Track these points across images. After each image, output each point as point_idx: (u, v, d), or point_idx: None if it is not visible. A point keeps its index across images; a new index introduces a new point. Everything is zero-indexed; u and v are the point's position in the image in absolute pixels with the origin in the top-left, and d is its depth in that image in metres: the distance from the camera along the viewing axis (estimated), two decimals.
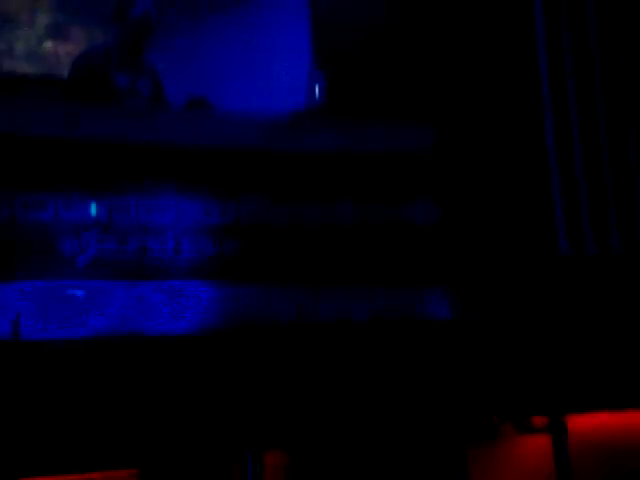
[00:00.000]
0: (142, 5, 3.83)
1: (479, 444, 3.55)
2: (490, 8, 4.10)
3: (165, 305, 3.14)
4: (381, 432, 3.31)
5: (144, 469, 3.09)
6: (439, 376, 3.40)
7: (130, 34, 3.85)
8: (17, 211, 2.98)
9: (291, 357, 3.21)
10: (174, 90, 3.98)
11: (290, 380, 3.19)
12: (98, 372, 2.96)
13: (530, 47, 4.07)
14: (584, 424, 3.68)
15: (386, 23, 4.80)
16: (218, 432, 3.09)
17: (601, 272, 3.83)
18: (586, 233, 3.89)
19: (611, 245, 3.90)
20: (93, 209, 3.08)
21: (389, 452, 3.42)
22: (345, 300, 3.37)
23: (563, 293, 3.69)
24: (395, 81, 4.42)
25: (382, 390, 3.30)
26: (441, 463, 3.48)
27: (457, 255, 3.58)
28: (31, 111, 3.10)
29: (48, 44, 5.36)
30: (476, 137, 3.78)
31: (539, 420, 3.64)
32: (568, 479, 3.57)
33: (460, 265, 3.57)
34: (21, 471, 2.83)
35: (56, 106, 3.22)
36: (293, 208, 3.37)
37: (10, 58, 5.18)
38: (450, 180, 3.66)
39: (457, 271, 3.57)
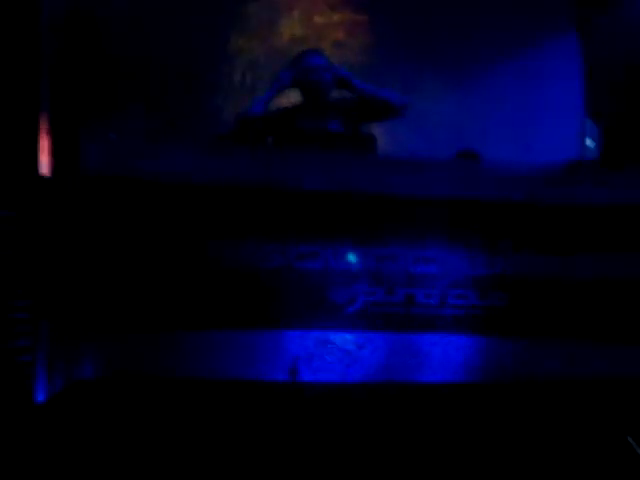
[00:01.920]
0: (311, 60, 3.99)
1: None
2: None
3: (430, 356, 3.14)
4: None
5: None
6: None
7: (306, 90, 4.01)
8: (292, 261, 3.13)
9: (557, 415, 3.09)
10: (444, 143, 4.02)
11: (557, 438, 3.06)
12: (365, 417, 3.01)
13: None
14: None
15: None
16: None
17: None
18: None
19: None
20: (362, 259, 3.17)
21: None
22: (618, 356, 3.21)
23: None
24: None
25: None
26: None
27: None
28: (303, 167, 3.25)
29: None
30: None
31: None
32: None
33: None
34: None
35: (325, 161, 3.34)
36: (562, 261, 3.27)
37: None
38: None
39: None
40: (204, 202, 3.09)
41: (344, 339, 3.14)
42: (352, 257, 3.17)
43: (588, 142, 4.26)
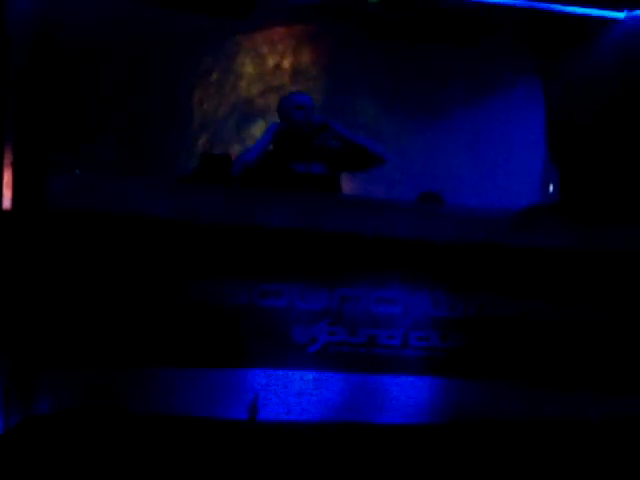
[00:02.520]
0: (301, 99, 4.05)
1: None
2: None
3: (392, 397, 3.15)
4: None
5: None
6: None
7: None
8: (255, 299, 3.12)
9: (516, 455, 3.10)
10: (407, 185, 4.06)
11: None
12: (324, 457, 3.00)
13: None
14: None
15: (625, 120, 4.70)
16: None
17: None
18: None
19: None
20: (325, 299, 3.18)
21: None
22: (573, 401, 3.25)
23: None
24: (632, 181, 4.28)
25: None
26: None
27: None
28: (270, 204, 3.26)
29: None
30: None
31: None
32: None
33: None
34: None
35: (292, 199, 3.36)
36: (523, 303, 3.31)
37: None
38: None
39: None
40: (169, 238, 3.09)
41: (305, 378, 3.13)
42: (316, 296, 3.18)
43: (550, 186, 4.32)
